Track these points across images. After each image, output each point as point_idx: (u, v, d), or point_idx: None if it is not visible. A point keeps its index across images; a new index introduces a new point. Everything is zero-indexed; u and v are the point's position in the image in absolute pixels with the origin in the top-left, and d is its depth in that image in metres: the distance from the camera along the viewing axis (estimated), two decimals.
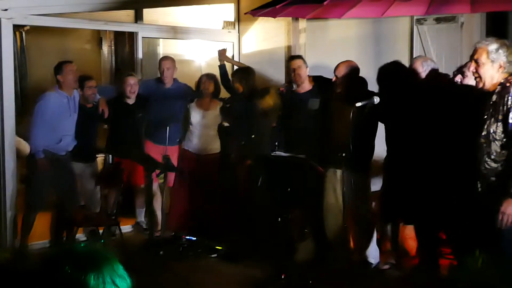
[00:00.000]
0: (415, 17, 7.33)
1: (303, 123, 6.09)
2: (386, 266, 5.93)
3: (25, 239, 6.35)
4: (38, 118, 6.14)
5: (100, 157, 7.56)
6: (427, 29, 7.28)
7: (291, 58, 6.45)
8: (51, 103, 6.19)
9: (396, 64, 5.58)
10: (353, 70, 5.81)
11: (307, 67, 6.25)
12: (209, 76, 6.95)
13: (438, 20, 7.25)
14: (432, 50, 7.23)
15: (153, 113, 6.97)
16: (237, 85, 6.76)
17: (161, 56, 7.88)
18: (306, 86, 6.23)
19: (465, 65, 5.09)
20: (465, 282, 4.45)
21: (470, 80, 4.59)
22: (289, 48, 7.66)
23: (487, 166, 4.09)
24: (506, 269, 4.00)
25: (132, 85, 6.83)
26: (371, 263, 5.94)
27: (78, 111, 6.44)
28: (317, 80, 6.25)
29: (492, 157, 4.06)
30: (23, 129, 6.46)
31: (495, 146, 4.04)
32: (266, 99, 6.34)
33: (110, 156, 7.26)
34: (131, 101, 6.89)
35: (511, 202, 3.92)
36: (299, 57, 6.45)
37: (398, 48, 7.25)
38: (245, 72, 6.96)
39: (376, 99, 5.14)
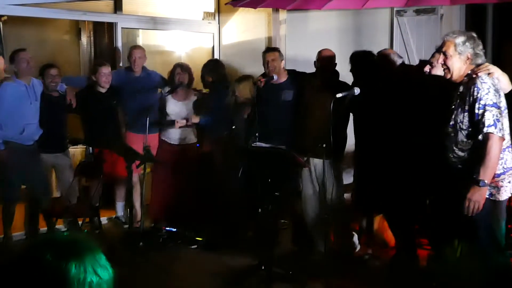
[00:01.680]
0: (395, 9, 7.37)
1: (279, 114, 6.10)
2: (365, 257, 5.96)
3: (8, 231, 6.31)
4: None
5: (80, 148, 7.51)
6: (407, 21, 7.32)
7: (266, 50, 6.40)
8: (7, 92, 6.08)
9: (366, 53, 5.66)
10: (334, 59, 5.85)
11: (282, 59, 6.23)
12: (183, 67, 6.89)
13: (418, 12, 7.29)
14: (412, 41, 7.28)
15: (127, 102, 6.94)
16: (207, 77, 6.75)
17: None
18: (282, 77, 6.22)
19: (433, 55, 5.17)
20: (443, 272, 4.52)
21: (438, 71, 4.68)
22: (269, 39, 7.67)
23: (455, 154, 4.21)
24: (481, 257, 4.11)
25: (107, 75, 6.74)
26: (351, 253, 5.97)
27: (42, 99, 6.35)
28: (291, 73, 6.24)
29: (459, 146, 4.18)
30: None
31: (462, 136, 4.15)
32: (242, 88, 6.33)
33: (90, 148, 7.19)
34: (103, 89, 6.81)
35: (477, 189, 3.99)
36: (275, 49, 6.42)
37: (378, 39, 7.27)
38: (214, 64, 6.95)
39: (357, 90, 5.15)
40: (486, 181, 3.98)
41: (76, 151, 7.62)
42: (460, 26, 7.06)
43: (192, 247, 6.40)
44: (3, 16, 8.35)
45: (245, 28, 8.04)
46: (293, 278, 5.30)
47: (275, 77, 6.05)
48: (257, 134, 5.84)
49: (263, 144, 5.47)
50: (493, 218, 4.17)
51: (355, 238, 6.06)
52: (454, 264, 4.40)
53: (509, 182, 4.15)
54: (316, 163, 5.77)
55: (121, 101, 6.92)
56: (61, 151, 6.71)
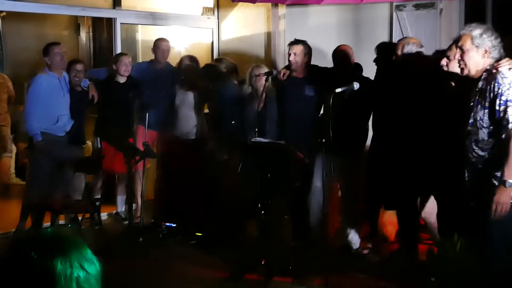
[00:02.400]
0: (394, 3, 7.35)
1: (297, 108, 6.06)
2: (365, 251, 5.97)
3: (23, 224, 6.41)
4: (32, 101, 6.23)
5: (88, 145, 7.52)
6: (406, 15, 7.31)
7: (291, 42, 6.15)
8: (44, 85, 6.25)
9: (392, 45, 5.63)
10: (349, 54, 5.86)
11: (306, 53, 6.04)
12: (190, 59, 6.89)
13: (417, 7, 7.28)
14: (411, 36, 7.25)
15: (150, 94, 6.90)
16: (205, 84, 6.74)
17: (139, 42, 7.81)
18: (303, 72, 6.10)
19: (450, 47, 5.04)
20: (443, 267, 4.51)
21: (456, 65, 4.61)
22: (268, 34, 7.66)
23: (474, 154, 4.02)
24: (490, 257, 4.03)
25: (127, 64, 6.83)
26: (352, 248, 5.97)
27: (70, 92, 6.48)
28: (313, 68, 6.17)
29: (480, 145, 3.98)
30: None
31: (483, 134, 3.96)
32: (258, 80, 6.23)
33: (98, 139, 7.16)
34: (122, 80, 6.86)
35: (504, 190, 3.81)
36: (299, 42, 6.10)
37: (377, 34, 7.26)
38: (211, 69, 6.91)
39: (356, 85, 5.12)
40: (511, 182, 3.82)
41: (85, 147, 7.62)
42: (459, 20, 7.05)
43: (192, 242, 6.40)
44: (1, 12, 8.36)
45: (244, 23, 8.02)
46: (292, 273, 5.30)
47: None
48: (256, 129, 5.84)
49: (263, 139, 5.47)
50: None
51: (353, 235, 6.02)
52: (453, 259, 4.41)
53: None
54: (319, 158, 5.73)
55: (139, 94, 6.92)
56: (79, 145, 6.76)
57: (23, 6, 6.96)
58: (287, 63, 6.25)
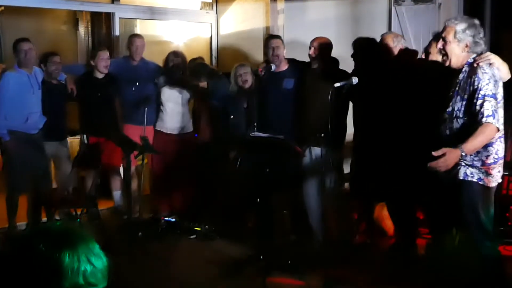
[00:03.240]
0: None
1: (280, 102, 6.08)
2: (363, 244, 5.97)
3: (12, 220, 6.33)
4: None
5: (77, 139, 7.49)
6: (405, 10, 7.31)
7: (270, 37, 6.38)
8: (10, 82, 6.09)
9: (369, 39, 5.64)
10: (329, 46, 5.84)
11: (284, 47, 6.20)
12: (176, 54, 6.89)
13: (415, 1, 7.29)
14: (410, 30, 7.27)
15: (125, 91, 6.91)
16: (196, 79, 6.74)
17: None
18: (283, 66, 6.19)
19: (430, 43, 5.19)
20: (441, 261, 4.54)
21: (434, 58, 4.70)
22: (267, 29, 7.65)
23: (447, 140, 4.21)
24: (470, 242, 4.16)
25: (105, 59, 6.74)
26: (349, 242, 5.98)
27: (43, 87, 6.36)
28: (292, 62, 6.22)
29: (453, 132, 4.22)
30: None
31: (456, 124, 4.19)
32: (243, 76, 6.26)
33: (85, 136, 7.15)
34: (100, 75, 6.79)
35: (455, 151, 3.99)
36: (278, 36, 6.38)
37: (376, 29, 7.25)
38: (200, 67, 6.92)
39: (355, 80, 5.13)
40: (464, 152, 4.00)
41: (74, 141, 7.59)
42: (458, 14, 7.04)
43: (191, 237, 6.41)
44: (0, 6, 8.32)
45: (243, 18, 8.02)
46: (291, 267, 5.31)
47: (273, 66, 6.04)
48: (255, 124, 5.84)
49: (261, 134, 5.47)
50: (482, 202, 4.22)
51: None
52: (451, 252, 4.44)
53: (499, 171, 4.22)
54: (317, 152, 5.74)
55: (118, 90, 6.90)
56: (60, 140, 6.71)
57: (21, 1, 6.95)
58: (286, 57, 6.27)
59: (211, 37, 8.37)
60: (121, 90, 6.92)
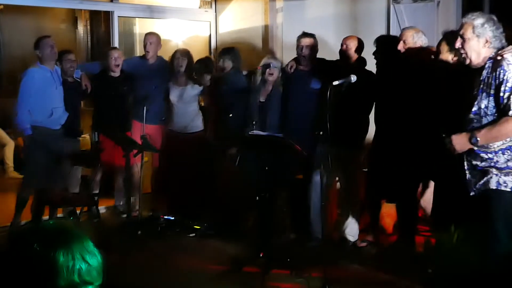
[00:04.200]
0: None
1: (301, 102, 6.03)
2: (364, 244, 5.98)
3: (18, 217, 6.35)
4: (24, 95, 6.16)
5: (84, 137, 7.51)
6: (403, 8, 7.30)
7: (302, 35, 6.16)
8: (35, 78, 6.20)
9: (390, 37, 5.62)
10: (361, 46, 5.87)
11: (314, 47, 6.10)
12: (183, 52, 6.89)
13: None
14: None
15: (140, 90, 6.89)
16: (200, 73, 6.73)
17: (137, 35, 7.80)
18: (309, 65, 6.11)
19: (439, 43, 5.09)
20: (440, 259, 4.52)
21: (444, 56, 4.64)
22: (266, 27, 7.65)
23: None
24: (493, 245, 4.01)
25: (116, 58, 6.79)
26: (350, 241, 5.99)
27: (62, 84, 6.45)
28: (319, 61, 6.17)
29: None
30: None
31: (486, 122, 3.95)
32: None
33: (96, 133, 7.17)
34: (115, 74, 6.84)
35: (466, 135, 3.95)
36: (310, 35, 6.14)
37: (375, 27, 7.25)
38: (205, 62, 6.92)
39: (353, 78, 5.12)
40: (478, 140, 3.90)
41: (83, 140, 7.62)
42: (457, 13, 7.04)
43: (191, 235, 6.41)
44: None
45: (242, 17, 8.02)
46: (291, 265, 5.31)
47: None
48: (254, 122, 5.85)
49: (261, 132, 5.47)
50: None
51: (351, 227, 6.04)
52: (452, 250, 4.41)
53: None
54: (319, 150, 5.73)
55: (133, 88, 6.92)
56: (74, 137, 6.75)
57: None
58: (284, 56, 6.28)
59: (210, 36, 8.38)
60: (138, 87, 6.91)
